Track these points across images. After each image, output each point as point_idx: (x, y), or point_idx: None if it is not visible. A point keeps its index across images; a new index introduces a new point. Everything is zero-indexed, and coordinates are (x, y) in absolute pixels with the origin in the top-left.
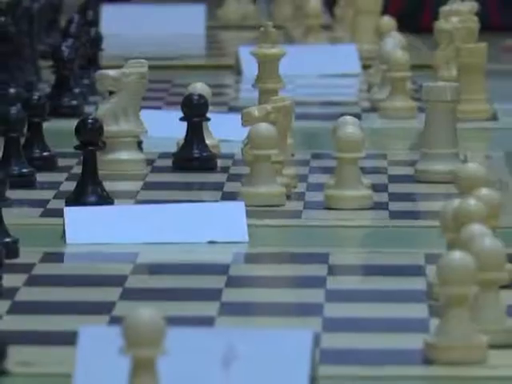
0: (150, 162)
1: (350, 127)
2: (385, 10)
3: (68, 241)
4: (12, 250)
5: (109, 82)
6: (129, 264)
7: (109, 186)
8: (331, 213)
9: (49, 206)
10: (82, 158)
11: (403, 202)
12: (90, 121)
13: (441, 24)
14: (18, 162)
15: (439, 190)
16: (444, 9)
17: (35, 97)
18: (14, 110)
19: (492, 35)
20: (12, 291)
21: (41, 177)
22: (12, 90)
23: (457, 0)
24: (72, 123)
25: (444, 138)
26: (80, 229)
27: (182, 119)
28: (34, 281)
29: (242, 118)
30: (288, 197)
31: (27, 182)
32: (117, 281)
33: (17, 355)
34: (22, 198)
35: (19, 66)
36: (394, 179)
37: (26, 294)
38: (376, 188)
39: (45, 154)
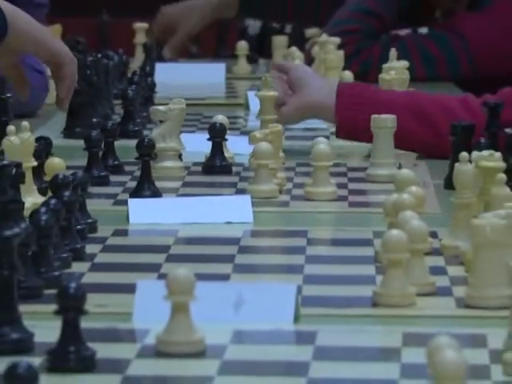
0: (186, 168)
1: (322, 145)
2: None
3: (131, 221)
4: (92, 227)
5: (159, 114)
6: (172, 237)
7: (159, 184)
8: (309, 203)
9: (118, 198)
10: (140, 165)
11: (358, 196)
12: (146, 140)
13: (383, 76)
14: (98, 168)
15: (383, 188)
16: (385, 65)
17: (109, 124)
18: (94, 133)
19: (417, 83)
20: (92, 256)
21: (113, 178)
22: (94, 120)
23: (394, 59)
24: (134, 142)
25: (386, 152)
26: (139, 213)
27: (208, 139)
28: (107, 249)
29: (249, 139)
30: (280, 192)
31: (103, 182)
32: (163, 249)
33: (94, 300)
34: (100, 193)
35: (100, 103)
36: (352, 180)
37: (102, 258)
38: (339, 186)
39: (116, 162)
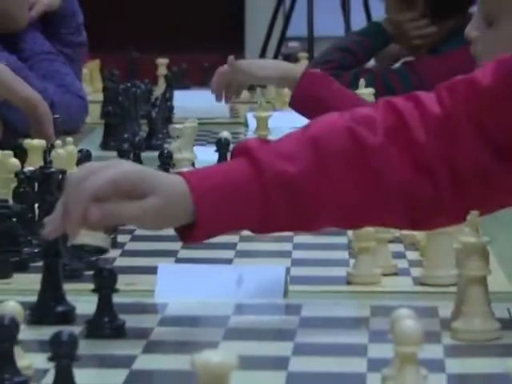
0: None
1: None
2: None
3: None
4: None
5: (176, 131)
6: None
7: None
8: None
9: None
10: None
11: None
12: (166, 152)
13: None
14: None
15: None
16: (356, 91)
17: (137, 139)
18: (125, 146)
19: None
20: (122, 244)
21: None
22: (125, 135)
23: (362, 87)
24: (156, 153)
25: None
26: None
27: (215, 151)
28: (134, 238)
29: None
30: None
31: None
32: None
33: (124, 279)
34: None
35: (129, 122)
36: None
37: (130, 246)
38: None
39: None
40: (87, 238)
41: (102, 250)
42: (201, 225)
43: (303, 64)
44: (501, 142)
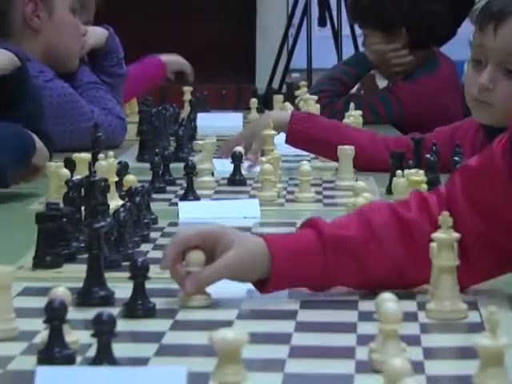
0: (217, 181)
1: (305, 166)
2: None
3: (180, 217)
4: (154, 220)
5: (199, 146)
6: None
7: (199, 192)
8: (297, 204)
9: (172, 201)
10: (186, 180)
11: (329, 199)
12: (190, 163)
13: (345, 120)
14: (158, 181)
15: (345, 194)
16: (347, 113)
17: (166, 153)
18: (156, 158)
19: (367, 126)
20: (154, 239)
21: (168, 188)
22: (156, 150)
23: (352, 110)
24: (182, 165)
25: (347, 173)
26: (186, 212)
27: (231, 163)
28: (164, 235)
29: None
30: (278, 197)
31: (162, 190)
32: None
33: (155, 269)
34: (160, 198)
35: (160, 139)
36: (325, 189)
37: (161, 241)
38: (317, 193)
39: (170, 178)
40: (194, 302)
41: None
42: (276, 276)
43: (288, 107)
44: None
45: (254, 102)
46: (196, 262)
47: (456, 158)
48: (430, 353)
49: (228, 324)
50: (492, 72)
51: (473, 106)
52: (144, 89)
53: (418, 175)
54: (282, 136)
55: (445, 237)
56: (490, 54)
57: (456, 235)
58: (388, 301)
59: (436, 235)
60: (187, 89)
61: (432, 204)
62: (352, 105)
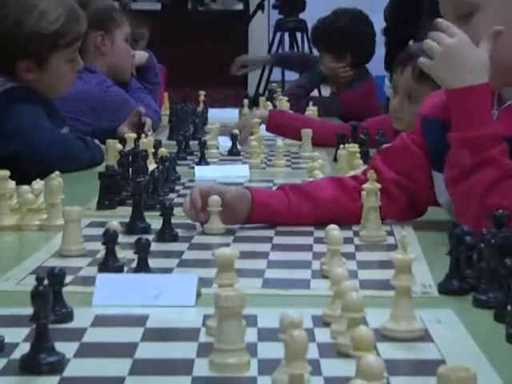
0: (220, 153)
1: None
2: None
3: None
4: (177, 178)
5: (208, 130)
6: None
7: (208, 159)
8: (273, 168)
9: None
10: (200, 152)
11: (296, 165)
12: (202, 141)
13: (306, 113)
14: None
15: (307, 161)
16: (307, 108)
17: (187, 134)
18: (180, 138)
19: (320, 117)
20: (178, 190)
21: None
22: (180, 132)
23: (311, 106)
24: (197, 142)
25: (307, 147)
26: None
27: (230, 140)
28: (185, 188)
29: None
30: (261, 163)
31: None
32: None
33: (178, 211)
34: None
35: (183, 125)
36: (294, 158)
37: (183, 191)
38: (287, 160)
39: (188, 151)
40: (214, 231)
41: None
42: (256, 207)
43: (269, 105)
44: None
45: (245, 101)
46: (216, 203)
47: (378, 138)
48: (362, 265)
49: (226, 245)
50: (400, 98)
51: (392, 118)
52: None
53: (354, 148)
54: (264, 126)
55: (371, 186)
56: (399, 86)
57: (378, 185)
58: (333, 230)
59: (365, 186)
60: (201, 93)
61: (352, 182)
62: (311, 103)
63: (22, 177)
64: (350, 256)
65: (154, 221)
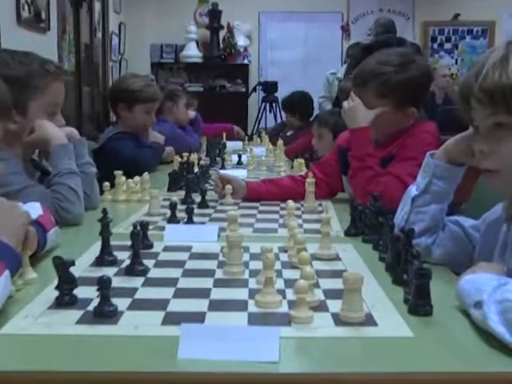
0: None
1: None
2: None
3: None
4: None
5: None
6: None
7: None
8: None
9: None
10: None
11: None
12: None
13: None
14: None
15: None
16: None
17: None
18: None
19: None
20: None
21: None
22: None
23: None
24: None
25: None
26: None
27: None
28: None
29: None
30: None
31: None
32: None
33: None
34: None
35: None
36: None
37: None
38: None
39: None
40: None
41: None
42: (249, 190)
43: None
44: None
45: (246, 137)
46: (228, 189)
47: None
48: (305, 221)
49: (234, 210)
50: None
51: None
52: (209, 133)
53: (302, 161)
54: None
55: (310, 180)
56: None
57: (314, 180)
58: (290, 202)
59: (307, 179)
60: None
61: (300, 177)
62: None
63: (130, 174)
64: (298, 216)
65: (198, 198)
